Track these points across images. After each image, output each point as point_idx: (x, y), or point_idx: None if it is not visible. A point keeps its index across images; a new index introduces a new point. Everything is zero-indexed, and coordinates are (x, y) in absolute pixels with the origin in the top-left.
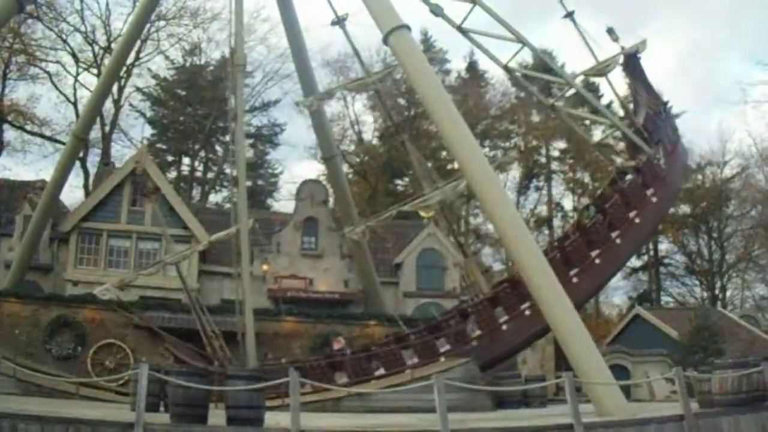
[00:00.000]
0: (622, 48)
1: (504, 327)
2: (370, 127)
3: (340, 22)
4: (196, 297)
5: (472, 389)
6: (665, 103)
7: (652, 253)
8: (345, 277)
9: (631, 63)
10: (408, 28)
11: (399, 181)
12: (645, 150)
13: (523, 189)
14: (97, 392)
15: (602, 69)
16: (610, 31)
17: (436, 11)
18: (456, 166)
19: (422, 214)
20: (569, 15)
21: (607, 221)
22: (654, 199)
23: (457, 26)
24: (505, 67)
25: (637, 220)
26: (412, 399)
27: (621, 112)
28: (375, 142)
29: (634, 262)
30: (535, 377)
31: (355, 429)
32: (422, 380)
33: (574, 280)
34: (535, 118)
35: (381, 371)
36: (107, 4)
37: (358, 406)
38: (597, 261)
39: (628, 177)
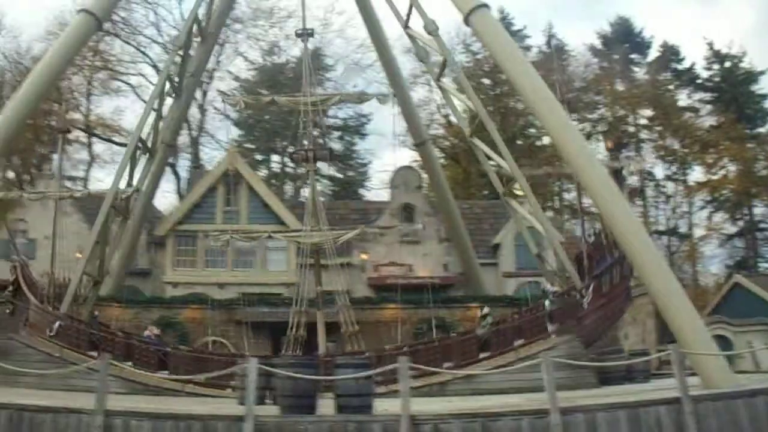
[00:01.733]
0: None
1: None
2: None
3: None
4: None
5: (577, 366)
6: None
7: (748, 218)
8: (444, 261)
9: None
10: (487, 6)
11: (490, 162)
12: None
13: (612, 160)
14: (203, 388)
15: None
16: None
17: None
18: (545, 141)
19: (517, 193)
20: None
21: None
22: None
23: None
24: None
25: None
26: (517, 379)
27: None
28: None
29: (730, 228)
30: (637, 352)
31: (465, 411)
32: (527, 360)
33: None
34: (620, 86)
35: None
36: (181, 14)
37: (465, 389)
38: None
39: None
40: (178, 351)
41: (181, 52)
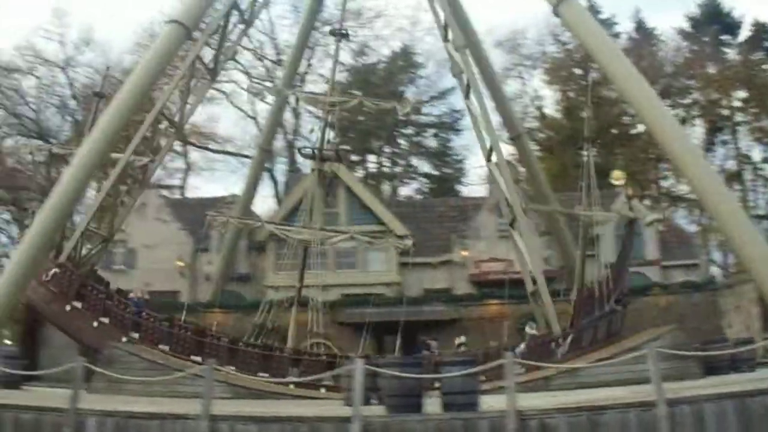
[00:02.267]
0: None
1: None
2: (550, 101)
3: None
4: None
5: (682, 356)
6: None
7: None
8: (544, 255)
9: None
10: None
11: (585, 153)
12: None
13: (708, 145)
14: (308, 391)
15: None
16: None
17: None
18: (640, 129)
19: (614, 182)
20: None
21: None
22: None
23: None
24: None
25: None
26: (622, 371)
27: None
28: (557, 115)
29: None
30: (742, 340)
31: (570, 405)
32: (631, 351)
33: None
34: (711, 69)
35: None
36: (270, 20)
37: (569, 383)
38: None
39: None
40: (281, 353)
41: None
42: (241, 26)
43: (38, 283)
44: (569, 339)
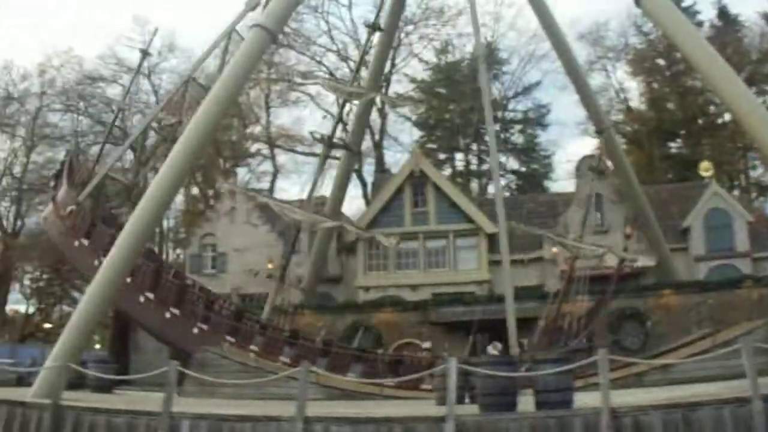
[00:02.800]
0: None
1: None
2: (634, 93)
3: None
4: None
5: None
6: None
7: None
8: (635, 249)
9: None
10: None
11: (672, 144)
12: None
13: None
14: (399, 391)
15: None
16: None
17: None
18: (727, 118)
19: (702, 173)
20: None
21: None
22: None
23: None
24: None
25: None
26: (714, 366)
27: None
28: (642, 107)
29: None
30: None
31: (664, 402)
32: (724, 346)
33: None
34: None
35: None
36: (352, 20)
37: (661, 379)
38: None
39: None
40: (374, 354)
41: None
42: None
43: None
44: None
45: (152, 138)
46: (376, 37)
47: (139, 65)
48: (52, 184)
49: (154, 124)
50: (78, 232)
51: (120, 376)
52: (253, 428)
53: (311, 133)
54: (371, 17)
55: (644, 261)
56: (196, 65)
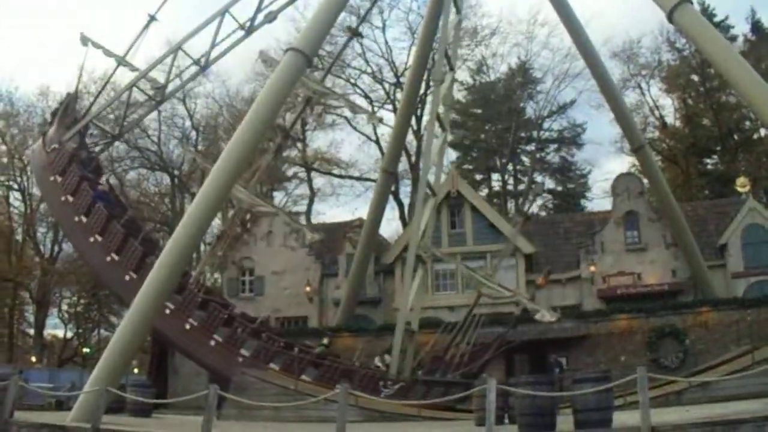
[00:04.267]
0: None
1: None
2: (669, 110)
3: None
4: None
5: None
6: None
7: None
8: (672, 267)
9: None
10: (690, 1)
11: (708, 160)
12: None
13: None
14: (439, 412)
15: None
16: None
17: None
18: (762, 133)
19: (739, 189)
20: None
21: None
22: None
23: None
24: None
25: None
26: (754, 383)
27: None
28: (677, 124)
29: None
30: None
31: (704, 420)
32: (763, 363)
33: None
34: None
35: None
36: (386, 42)
37: (701, 397)
38: None
39: None
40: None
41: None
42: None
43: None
44: (397, 386)
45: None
46: (412, 58)
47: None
48: (48, 120)
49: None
50: (55, 169)
51: (158, 400)
52: None
53: None
54: (406, 39)
55: (547, 316)
56: (185, 39)
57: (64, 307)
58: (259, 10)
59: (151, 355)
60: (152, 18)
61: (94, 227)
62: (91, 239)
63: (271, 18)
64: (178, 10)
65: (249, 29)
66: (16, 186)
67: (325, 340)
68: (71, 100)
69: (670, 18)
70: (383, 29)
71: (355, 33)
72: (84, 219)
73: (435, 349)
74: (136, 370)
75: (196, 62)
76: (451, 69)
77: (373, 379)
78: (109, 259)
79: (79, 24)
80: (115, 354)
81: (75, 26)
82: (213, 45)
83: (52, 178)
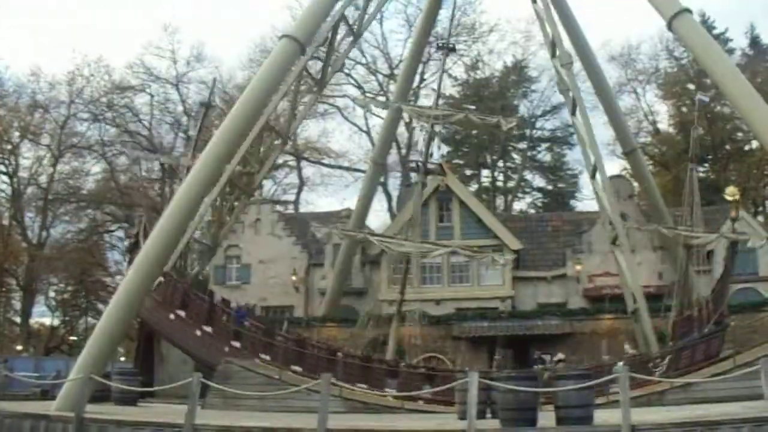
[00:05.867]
0: None
1: None
2: (663, 117)
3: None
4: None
5: None
6: None
7: None
8: (658, 269)
9: None
10: (690, 11)
11: (699, 168)
12: None
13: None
14: (422, 405)
15: None
16: None
17: None
18: (754, 145)
19: (728, 198)
20: None
21: None
22: None
23: None
24: None
25: None
26: (736, 387)
27: None
28: (671, 131)
29: None
30: None
31: (684, 420)
32: (745, 367)
33: None
34: None
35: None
36: (382, 34)
37: (682, 398)
38: None
39: None
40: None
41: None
42: (350, 38)
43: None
44: (667, 360)
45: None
46: (407, 51)
47: (202, 119)
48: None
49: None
50: (173, 305)
51: (144, 389)
52: None
53: (405, 163)
54: (403, 31)
55: (757, 240)
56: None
57: (51, 294)
58: (327, 64)
59: (138, 342)
60: (207, 106)
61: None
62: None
63: (338, 67)
64: None
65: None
66: (3, 168)
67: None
68: (147, 223)
69: (669, 26)
70: (380, 20)
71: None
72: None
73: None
74: (123, 358)
75: (280, 135)
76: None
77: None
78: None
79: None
80: (100, 341)
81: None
82: (293, 114)
83: (172, 316)
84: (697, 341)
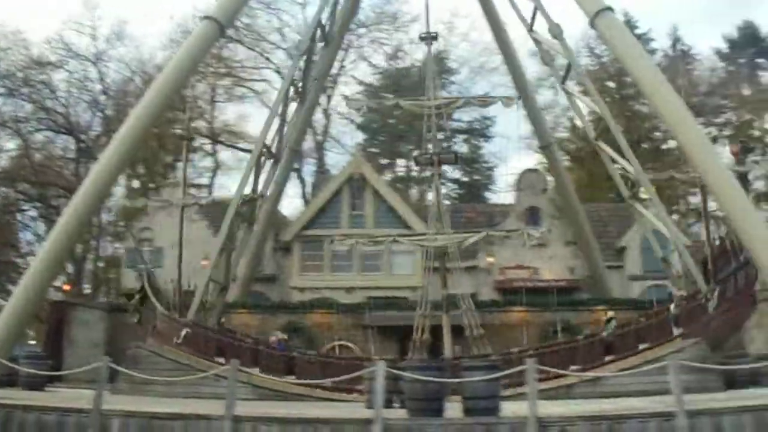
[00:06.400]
0: None
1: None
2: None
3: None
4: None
5: (703, 369)
6: None
7: None
8: (570, 264)
9: None
10: (612, 9)
11: (616, 165)
12: None
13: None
14: (331, 393)
15: None
16: None
17: None
18: (671, 145)
19: (643, 195)
20: None
21: None
22: None
23: None
24: None
25: None
26: (645, 382)
27: None
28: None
29: None
30: (764, 356)
31: (591, 414)
32: (654, 362)
33: None
34: (746, 91)
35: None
36: (305, 19)
37: (591, 392)
38: None
39: None
40: (305, 356)
41: (304, 57)
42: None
43: (171, 349)
44: (716, 292)
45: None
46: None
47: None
48: (135, 319)
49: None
50: (210, 355)
51: (51, 373)
52: (184, 426)
53: (415, 157)
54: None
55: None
56: None
57: None
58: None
59: (48, 325)
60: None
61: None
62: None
63: (321, 78)
64: None
65: (302, 98)
66: None
67: (611, 313)
68: (149, 275)
69: (592, 23)
70: (303, 5)
71: None
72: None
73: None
74: (33, 342)
75: (272, 155)
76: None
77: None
78: None
79: None
80: (8, 323)
81: None
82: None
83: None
84: (738, 268)
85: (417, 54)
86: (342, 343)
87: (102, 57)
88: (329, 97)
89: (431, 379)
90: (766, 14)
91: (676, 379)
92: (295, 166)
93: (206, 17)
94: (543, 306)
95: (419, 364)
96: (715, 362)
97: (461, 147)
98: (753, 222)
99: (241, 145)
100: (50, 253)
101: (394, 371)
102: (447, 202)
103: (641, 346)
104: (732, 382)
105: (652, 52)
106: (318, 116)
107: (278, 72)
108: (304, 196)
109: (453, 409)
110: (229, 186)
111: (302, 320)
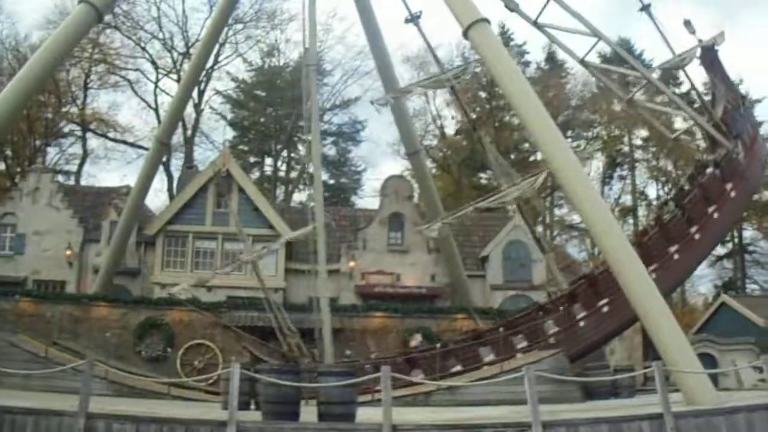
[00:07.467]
0: (700, 41)
1: (582, 323)
2: (452, 122)
3: (414, 19)
4: (270, 295)
5: (562, 380)
6: (744, 97)
7: (737, 240)
8: (432, 272)
9: (709, 56)
10: (488, 21)
11: (483, 175)
12: (724, 144)
13: (606, 179)
14: (188, 392)
15: (678, 62)
16: (687, 24)
17: (512, 6)
18: (539, 157)
19: (507, 207)
20: (645, 8)
21: (685, 216)
22: (732, 194)
23: (533, 21)
24: (582, 62)
25: (715, 215)
26: (502, 391)
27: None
28: (457, 136)
29: (719, 250)
30: (623, 367)
31: (447, 422)
32: (512, 372)
33: (653, 276)
34: (617, 107)
35: (458, 368)
36: (183, 11)
37: (449, 400)
38: (676, 256)
39: (708, 171)
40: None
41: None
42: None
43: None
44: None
45: None
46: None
47: None
48: None
49: None
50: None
51: None
52: (36, 422)
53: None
54: (204, 10)
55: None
56: None
57: None
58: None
59: None
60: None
61: None
62: None
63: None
64: None
65: None
66: None
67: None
68: None
69: (465, 34)
70: None
71: None
72: None
73: None
74: None
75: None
76: None
77: None
78: None
79: None
80: None
81: None
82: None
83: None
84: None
85: (293, 54)
86: (201, 341)
87: None
88: (202, 92)
89: (286, 383)
90: (641, 32)
91: (532, 389)
92: (163, 159)
93: (83, 0)
94: (403, 312)
95: (275, 368)
96: (575, 374)
97: (330, 150)
98: (611, 232)
99: (111, 135)
100: None
101: (250, 373)
102: (312, 204)
103: (490, 357)
104: (592, 393)
105: (526, 64)
106: (189, 109)
107: (153, 63)
108: (170, 190)
109: (309, 413)
110: (97, 175)
111: (162, 317)
